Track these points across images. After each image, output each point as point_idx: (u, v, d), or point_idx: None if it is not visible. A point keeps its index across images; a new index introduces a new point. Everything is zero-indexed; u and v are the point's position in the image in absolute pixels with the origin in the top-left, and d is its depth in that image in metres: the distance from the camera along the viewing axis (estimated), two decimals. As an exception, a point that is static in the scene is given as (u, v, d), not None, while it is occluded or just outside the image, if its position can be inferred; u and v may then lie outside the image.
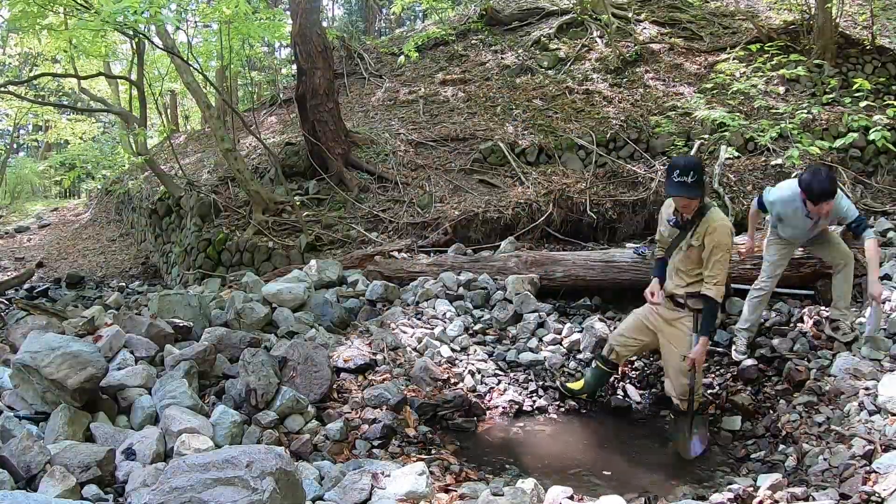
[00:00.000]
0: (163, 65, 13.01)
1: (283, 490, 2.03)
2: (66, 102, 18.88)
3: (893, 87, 9.11)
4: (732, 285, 4.80)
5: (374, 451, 3.31)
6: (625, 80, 10.57)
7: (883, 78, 9.37)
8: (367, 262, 6.24)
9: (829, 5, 9.23)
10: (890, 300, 4.19)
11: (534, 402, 4.24)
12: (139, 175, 14.21)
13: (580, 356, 4.66)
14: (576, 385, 4.27)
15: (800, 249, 4.55)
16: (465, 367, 4.40)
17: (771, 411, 3.85)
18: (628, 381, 4.54)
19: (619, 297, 5.33)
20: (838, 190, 3.85)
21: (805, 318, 4.43)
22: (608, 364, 4.15)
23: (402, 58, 12.21)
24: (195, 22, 11.88)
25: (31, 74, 14.14)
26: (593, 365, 4.32)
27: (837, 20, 9.72)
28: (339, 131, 9.27)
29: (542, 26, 12.92)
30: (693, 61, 10.81)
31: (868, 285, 3.87)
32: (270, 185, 9.49)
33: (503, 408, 4.13)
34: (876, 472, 2.69)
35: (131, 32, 8.94)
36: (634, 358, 4.59)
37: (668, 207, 3.76)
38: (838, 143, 5.98)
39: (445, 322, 4.89)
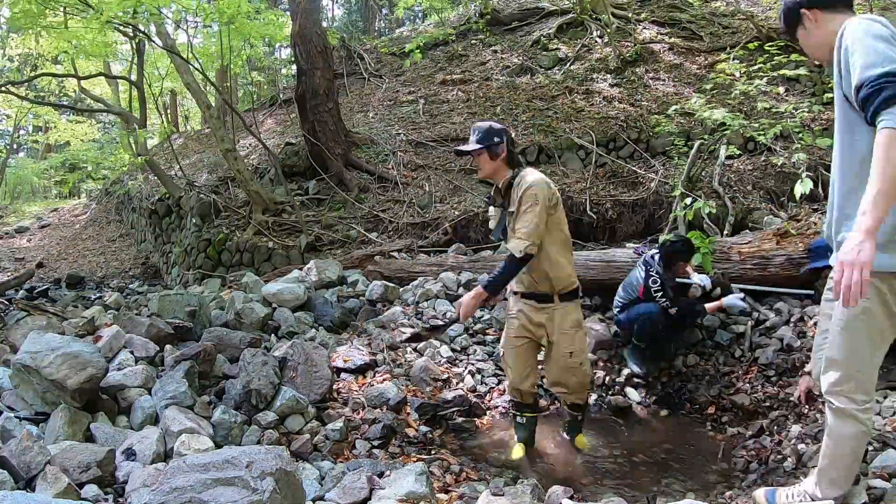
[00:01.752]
0: (163, 65, 13.02)
1: (283, 490, 2.03)
2: (66, 103, 18.90)
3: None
4: (733, 285, 4.80)
5: (374, 451, 3.31)
6: (625, 80, 10.57)
7: (883, 77, 9.36)
8: (367, 263, 6.24)
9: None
10: None
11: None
12: (139, 175, 14.21)
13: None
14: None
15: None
16: (466, 367, 4.40)
17: (770, 411, 3.85)
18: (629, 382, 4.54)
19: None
20: None
21: (805, 318, 4.43)
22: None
23: (406, 61, 12.21)
24: (195, 22, 11.89)
25: (31, 74, 14.14)
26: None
27: (837, 20, 9.72)
28: (339, 131, 9.27)
29: (542, 26, 12.93)
30: (693, 61, 10.81)
31: None
32: (270, 185, 9.49)
33: (503, 408, 4.12)
34: (872, 472, 2.69)
35: (132, 32, 8.95)
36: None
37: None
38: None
39: (445, 322, 4.89)
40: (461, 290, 5.35)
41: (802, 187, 5.04)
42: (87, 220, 16.60)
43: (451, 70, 12.42)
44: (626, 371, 4.56)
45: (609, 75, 10.76)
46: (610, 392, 4.44)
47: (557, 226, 3.24)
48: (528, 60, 11.85)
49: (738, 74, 8.44)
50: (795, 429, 3.48)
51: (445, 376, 4.22)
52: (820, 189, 7.60)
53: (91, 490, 2.48)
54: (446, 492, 2.88)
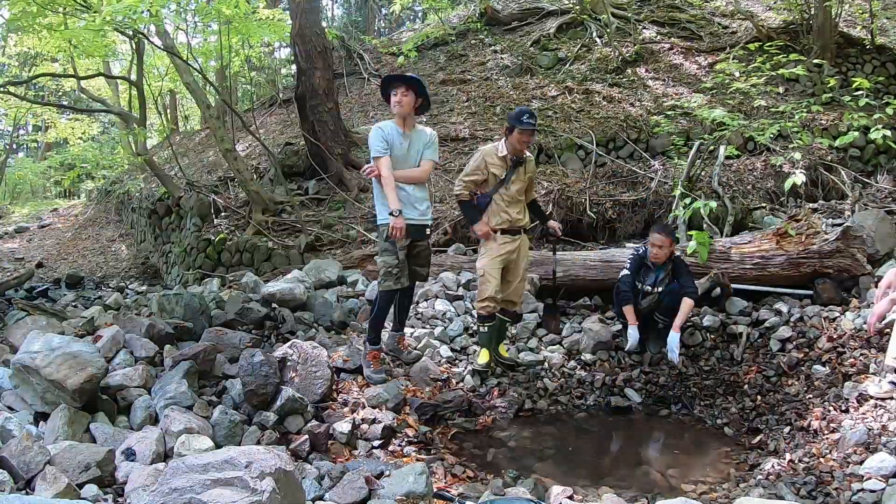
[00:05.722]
0: (163, 65, 12.99)
1: (283, 490, 2.03)
2: (65, 103, 18.85)
3: (893, 87, 9.10)
4: (732, 285, 4.81)
5: (374, 451, 3.31)
6: (624, 80, 10.56)
7: (882, 77, 9.36)
8: (367, 263, 6.24)
9: (829, 4, 9.22)
10: None
11: (534, 402, 4.24)
12: (139, 175, 14.20)
13: (580, 356, 4.66)
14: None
15: None
16: (465, 367, 4.40)
17: (770, 411, 3.85)
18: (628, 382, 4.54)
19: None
20: None
21: (805, 318, 4.43)
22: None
23: (400, 58, 12.20)
24: (195, 22, 11.87)
25: (31, 74, 14.12)
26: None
27: (837, 20, 9.72)
28: (338, 131, 9.26)
29: (542, 26, 12.92)
30: (693, 61, 10.80)
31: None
32: (270, 185, 9.49)
33: (503, 408, 4.13)
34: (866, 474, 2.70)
35: (131, 32, 8.94)
36: (637, 360, 4.61)
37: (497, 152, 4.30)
38: (839, 141, 5.98)
39: (445, 322, 4.89)
40: (461, 289, 5.35)
41: (795, 179, 5.05)
42: (87, 220, 16.58)
43: (451, 70, 12.41)
44: (624, 373, 4.55)
45: (609, 75, 10.74)
46: (610, 393, 4.44)
47: None
48: (528, 60, 11.84)
49: (737, 74, 8.44)
50: (794, 428, 3.49)
51: (445, 376, 4.23)
52: (819, 189, 7.60)
53: (91, 490, 2.49)
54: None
